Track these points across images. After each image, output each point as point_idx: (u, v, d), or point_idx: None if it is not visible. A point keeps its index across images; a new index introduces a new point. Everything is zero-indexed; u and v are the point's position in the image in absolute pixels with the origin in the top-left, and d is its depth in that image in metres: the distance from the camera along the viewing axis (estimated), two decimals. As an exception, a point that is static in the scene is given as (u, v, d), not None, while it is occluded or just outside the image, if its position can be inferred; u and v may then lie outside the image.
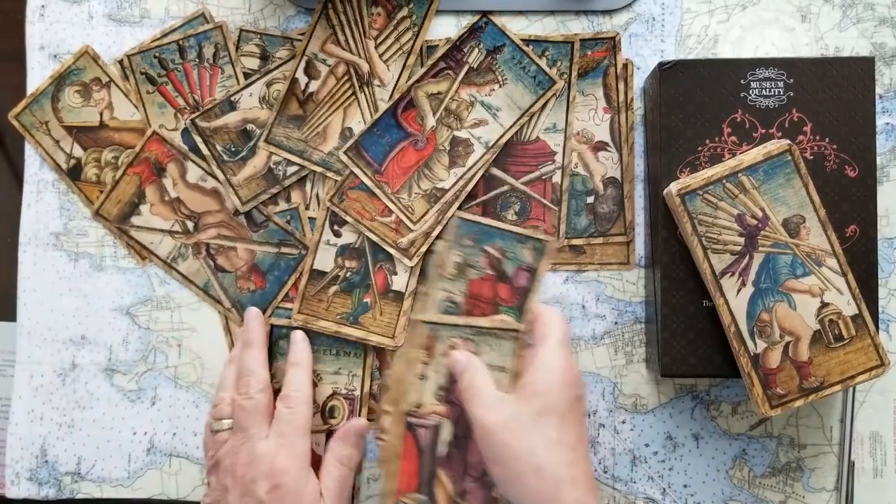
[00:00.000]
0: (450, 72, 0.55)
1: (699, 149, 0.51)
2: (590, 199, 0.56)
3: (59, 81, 0.57)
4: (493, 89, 0.55)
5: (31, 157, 0.58)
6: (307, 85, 0.56)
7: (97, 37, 0.57)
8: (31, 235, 0.57)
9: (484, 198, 0.56)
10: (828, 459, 0.55)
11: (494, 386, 0.48)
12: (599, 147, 0.56)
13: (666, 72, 0.51)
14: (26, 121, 0.57)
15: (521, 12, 0.56)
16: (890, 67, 0.56)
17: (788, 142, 0.49)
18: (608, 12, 0.56)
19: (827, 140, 0.51)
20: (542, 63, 0.55)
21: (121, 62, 0.57)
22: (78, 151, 0.57)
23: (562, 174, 0.56)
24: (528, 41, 0.56)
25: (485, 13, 0.56)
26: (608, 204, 0.56)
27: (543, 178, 0.56)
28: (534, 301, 0.52)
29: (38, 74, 0.58)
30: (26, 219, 0.58)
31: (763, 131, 0.51)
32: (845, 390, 0.53)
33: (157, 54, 0.56)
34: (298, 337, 0.54)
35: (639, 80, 0.56)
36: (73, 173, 0.57)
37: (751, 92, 0.51)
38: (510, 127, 0.55)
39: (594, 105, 0.56)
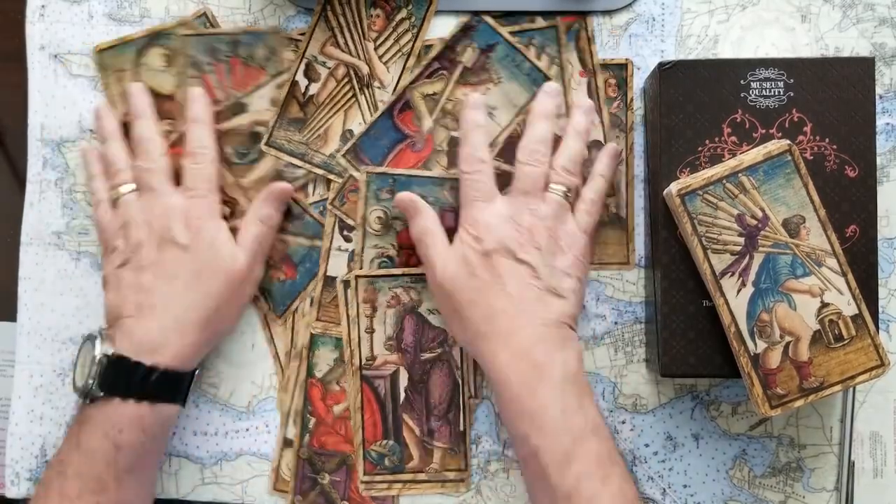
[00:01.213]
0: (444, 72, 0.55)
1: (699, 149, 0.51)
2: None
3: (153, 38, 0.57)
4: (489, 88, 0.55)
5: (34, 156, 0.58)
6: (307, 87, 0.56)
7: (97, 36, 0.57)
8: (32, 235, 0.58)
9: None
10: (828, 459, 0.55)
11: (443, 235, 0.51)
12: None
13: (666, 72, 0.51)
14: (107, 60, 0.57)
15: (520, 12, 0.56)
16: (890, 67, 0.56)
17: (788, 142, 0.49)
18: (608, 12, 0.56)
19: (827, 140, 0.51)
20: (533, 57, 0.55)
21: (168, 42, 0.57)
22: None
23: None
24: (514, 34, 0.56)
25: (484, 13, 0.56)
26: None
27: None
28: None
29: (38, 74, 0.58)
30: (28, 218, 0.58)
31: (763, 131, 0.51)
32: (845, 390, 0.53)
33: (212, 43, 0.56)
34: (196, 93, 0.54)
35: (639, 80, 0.56)
36: (125, 129, 0.56)
37: (751, 92, 0.51)
38: (507, 126, 0.55)
39: (570, 70, 0.56)
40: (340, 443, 0.54)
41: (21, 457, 0.57)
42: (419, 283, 0.53)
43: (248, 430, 0.57)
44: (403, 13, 0.55)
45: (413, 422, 0.53)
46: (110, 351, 0.49)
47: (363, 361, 0.53)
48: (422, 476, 0.53)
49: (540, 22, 0.56)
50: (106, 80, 0.57)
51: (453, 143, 0.55)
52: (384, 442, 0.53)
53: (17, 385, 0.57)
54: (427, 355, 0.53)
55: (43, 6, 0.58)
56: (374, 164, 0.55)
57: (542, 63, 0.56)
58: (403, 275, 0.53)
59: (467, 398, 0.54)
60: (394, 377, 0.53)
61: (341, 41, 0.56)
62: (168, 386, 0.50)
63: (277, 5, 0.57)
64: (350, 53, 0.56)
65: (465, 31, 0.55)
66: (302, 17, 0.57)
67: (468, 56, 0.55)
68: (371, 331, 0.53)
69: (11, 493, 0.57)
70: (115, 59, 0.57)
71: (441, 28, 0.57)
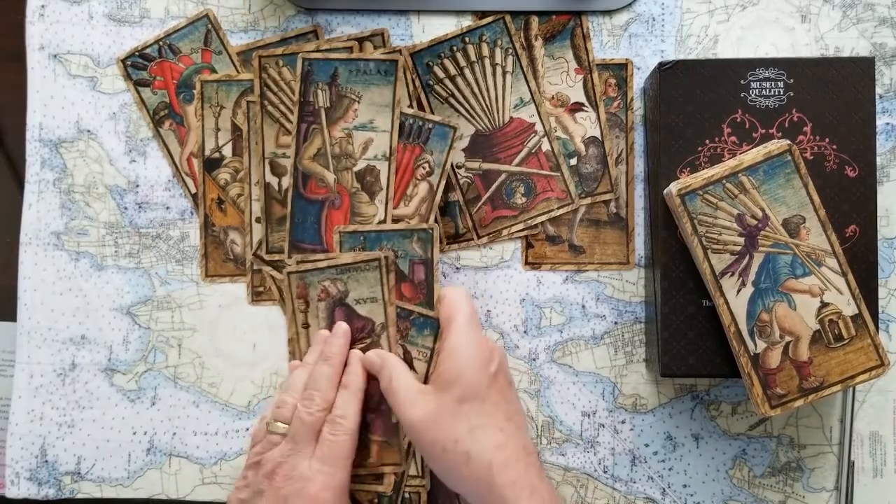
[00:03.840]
0: (315, 126, 0.54)
1: (699, 149, 0.51)
2: (573, 161, 0.57)
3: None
4: (356, 109, 0.54)
5: (33, 156, 0.58)
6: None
7: (97, 37, 0.57)
8: (32, 235, 0.58)
9: (487, 194, 0.57)
10: (828, 459, 0.55)
11: (413, 379, 0.49)
12: (576, 108, 0.57)
13: (666, 72, 0.51)
14: (209, 91, 0.57)
15: (520, 12, 0.56)
16: (890, 67, 0.56)
17: (788, 142, 0.49)
18: (608, 12, 0.56)
19: (827, 140, 0.51)
20: (377, 54, 0.54)
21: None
22: (227, 151, 0.57)
23: (549, 140, 0.56)
24: (462, 33, 0.56)
25: (483, 13, 0.56)
26: (591, 163, 0.56)
27: (533, 151, 0.56)
28: (436, 288, 0.53)
29: (38, 74, 0.58)
30: (27, 218, 0.58)
31: (763, 131, 0.51)
32: (845, 390, 0.53)
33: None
34: (354, 358, 0.52)
35: (639, 80, 0.56)
36: (210, 165, 0.56)
37: (751, 92, 0.51)
38: (393, 125, 0.54)
39: (566, 67, 0.56)
40: None
41: (21, 457, 0.57)
42: (344, 274, 0.53)
43: (248, 430, 0.57)
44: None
45: None
46: None
47: (303, 357, 0.53)
48: (361, 471, 0.52)
49: (486, 18, 0.56)
50: (200, 111, 0.56)
51: (360, 177, 0.54)
52: None
53: (17, 385, 0.57)
54: (358, 346, 0.52)
55: (43, 6, 0.58)
56: (313, 244, 0.54)
57: (497, 57, 0.56)
58: (329, 267, 0.53)
59: None
60: None
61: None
62: None
63: (277, 5, 0.57)
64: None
65: (305, 80, 0.54)
66: (302, 17, 0.57)
67: (322, 98, 0.54)
68: (306, 326, 0.53)
69: (11, 493, 0.57)
70: (217, 93, 0.56)
71: (442, 27, 0.57)
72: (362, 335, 0.53)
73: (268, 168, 0.55)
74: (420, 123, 0.54)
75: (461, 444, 0.45)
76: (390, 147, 0.54)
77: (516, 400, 0.49)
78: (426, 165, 0.54)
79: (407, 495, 0.53)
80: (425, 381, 0.51)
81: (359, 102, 0.54)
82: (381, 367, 0.50)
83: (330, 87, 0.54)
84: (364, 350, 0.52)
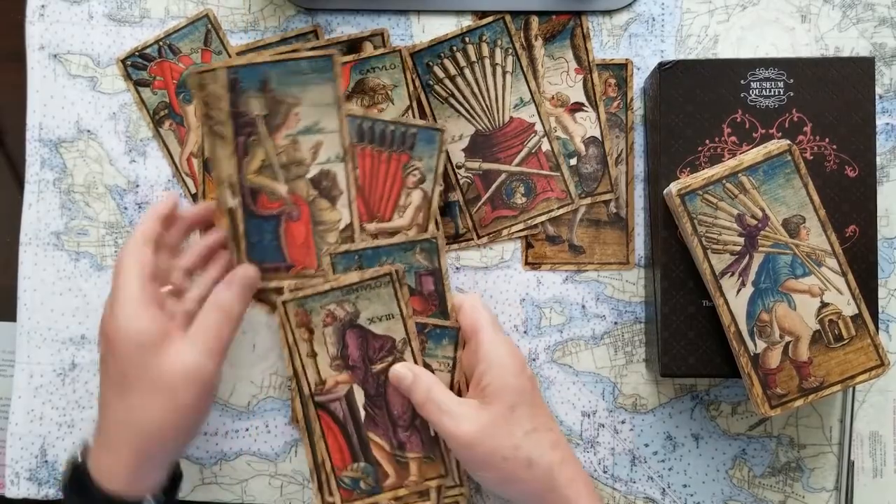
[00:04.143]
0: (254, 137, 0.49)
1: (699, 149, 0.51)
2: (573, 161, 0.57)
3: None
4: (297, 113, 0.50)
5: (32, 156, 0.58)
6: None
7: (97, 37, 0.57)
8: (31, 235, 0.58)
9: (487, 194, 0.57)
10: (827, 459, 0.55)
11: (451, 392, 0.47)
12: (576, 108, 0.57)
13: (666, 72, 0.51)
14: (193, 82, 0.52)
15: (520, 12, 0.56)
16: (890, 67, 0.56)
17: (788, 142, 0.49)
18: (608, 12, 0.56)
19: (827, 140, 0.51)
20: (303, 53, 0.50)
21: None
22: None
23: (549, 140, 0.56)
24: (462, 33, 0.56)
25: (483, 13, 0.56)
26: (591, 163, 0.56)
27: (533, 151, 0.56)
28: (449, 297, 0.51)
29: (38, 74, 0.58)
30: (27, 218, 0.58)
31: (763, 131, 0.51)
32: (845, 390, 0.53)
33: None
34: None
35: (639, 80, 0.56)
36: (207, 165, 0.55)
37: (751, 92, 0.51)
38: (341, 123, 0.50)
39: (566, 67, 0.56)
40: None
41: (21, 457, 0.57)
42: (352, 294, 0.49)
43: (247, 430, 0.57)
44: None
45: (380, 438, 0.50)
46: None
47: (313, 388, 0.50)
48: (402, 492, 0.50)
49: (486, 18, 0.56)
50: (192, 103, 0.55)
51: (316, 183, 0.50)
52: (355, 465, 0.50)
53: (17, 385, 0.57)
54: (378, 366, 0.50)
55: (43, 6, 0.58)
56: (275, 262, 0.50)
57: (497, 57, 0.56)
58: (332, 290, 0.49)
59: None
60: (349, 397, 0.50)
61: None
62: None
63: (277, 5, 0.57)
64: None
65: (233, 90, 0.49)
66: (302, 17, 0.57)
67: (256, 106, 0.49)
68: (313, 354, 0.50)
69: (11, 492, 0.57)
70: (210, 85, 0.52)
71: (441, 27, 0.57)
72: (382, 353, 0.50)
73: (228, 192, 0.50)
74: (403, 130, 0.52)
75: (522, 450, 0.44)
76: (343, 147, 0.50)
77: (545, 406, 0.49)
78: (416, 173, 0.53)
79: None
80: (456, 392, 0.49)
81: (299, 105, 0.49)
82: (413, 381, 0.47)
83: (263, 93, 0.49)
84: (386, 370, 0.50)
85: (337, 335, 0.50)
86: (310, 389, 0.50)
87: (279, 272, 0.50)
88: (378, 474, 0.50)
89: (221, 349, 0.45)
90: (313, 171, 0.50)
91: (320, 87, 0.49)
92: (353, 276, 0.49)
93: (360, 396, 0.50)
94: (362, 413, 0.50)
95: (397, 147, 0.52)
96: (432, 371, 0.50)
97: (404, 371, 0.48)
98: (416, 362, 0.50)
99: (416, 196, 0.53)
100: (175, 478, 0.48)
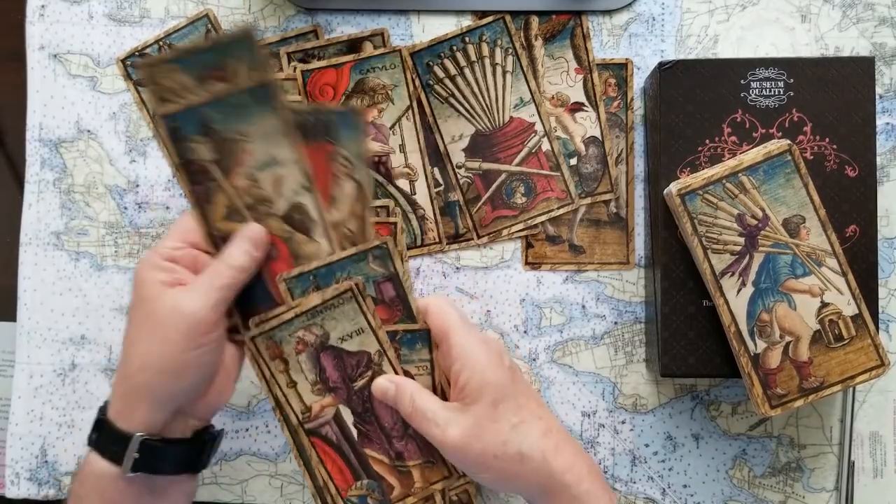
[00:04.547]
0: (211, 183, 0.46)
1: (699, 149, 0.51)
2: (573, 161, 0.57)
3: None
4: (248, 150, 0.46)
5: (33, 156, 0.58)
6: None
7: (97, 37, 0.57)
8: (31, 235, 0.58)
9: (487, 194, 0.57)
10: (828, 459, 0.55)
11: (435, 398, 0.46)
12: (576, 108, 0.57)
13: (666, 72, 0.51)
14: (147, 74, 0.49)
15: (520, 12, 0.56)
16: (890, 67, 0.56)
17: (788, 142, 0.49)
18: (608, 12, 0.56)
19: (827, 140, 0.51)
20: (236, 83, 0.46)
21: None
22: None
23: (549, 139, 0.56)
24: (462, 33, 0.56)
25: (483, 13, 0.56)
26: (592, 163, 0.56)
27: (533, 151, 0.56)
28: (413, 301, 0.49)
29: (38, 74, 0.58)
30: (27, 218, 0.58)
31: (763, 131, 0.51)
32: (845, 390, 0.53)
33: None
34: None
35: (639, 80, 0.56)
36: None
37: (751, 92, 0.51)
38: (297, 150, 0.47)
39: (566, 67, 0.57)
40: None
41: (21, 457, 0.57)
42: (317, 317, 0.48)
43: (247, 430, 0.57)
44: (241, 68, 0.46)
45: (377, 452, 0.49)
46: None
47: (300, 417, 0.49)
48: (410, 500, 0.49)
49: (486, 18, 0.56)
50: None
51: (288, 218, 0.48)
52: (359, 483, 0.49)
53: (17, 385, 0.57)
54: (360, 382, 0.49)
55: (43, 6, 0.58)
56: (265, 304, 0.48)
57: (497, 56, 0.56)
58: (297, 316, 0.48)
59: None
60: (338, 419, 0.49)
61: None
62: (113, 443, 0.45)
63: (277, 5, 0.57)
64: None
65: (175, 139, 0.46)
66: (302, 16, 0.57)
67: (204, 151, 0.46)
68: (293, 384, 0.49)
69: (11, 493, 0.57)
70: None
71: (441, 27, 0.57)
72: (360, 369, 0.49)
73: (222, 244, 0.47)
74: (315, 117, 0.47)
75: (511, 445, 0.44)
76: (305, 175, 0.47)
77: (532, 384, 0.48)
78: (343, 161, 0.48)
79: (455, 498, 0.51)
80: (440, 393, 0.49)
81: (249, 143, 0.46)
82: (396, 392, 0.47)
83: (207, 137, 0.46)
84: (367, 384, 0.49)
85: (312, 360, 0.49)
86: (297, 419, 0.49)
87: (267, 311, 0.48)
88: (383, 488, 0.50)
89: (218, 295, 0.45)
90: (282, 207, 0.47)
91: (265, 118, 0.46)
92: (315, 298, 0.48)
93: (348, 416, 0.49)
94: (354, 432, 0.49)
95: (317, 136, 0.48)
96: (412, 377, 0.49)
97: (386, 384, 0.48)
98: (395, 372, 0.49)
99: (349, 186, 0.49)
100: (205, 441, 0.48)
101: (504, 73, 0.56)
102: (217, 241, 0.47)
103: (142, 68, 0.46)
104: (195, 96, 0.45)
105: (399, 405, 0.47)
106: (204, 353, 0.45)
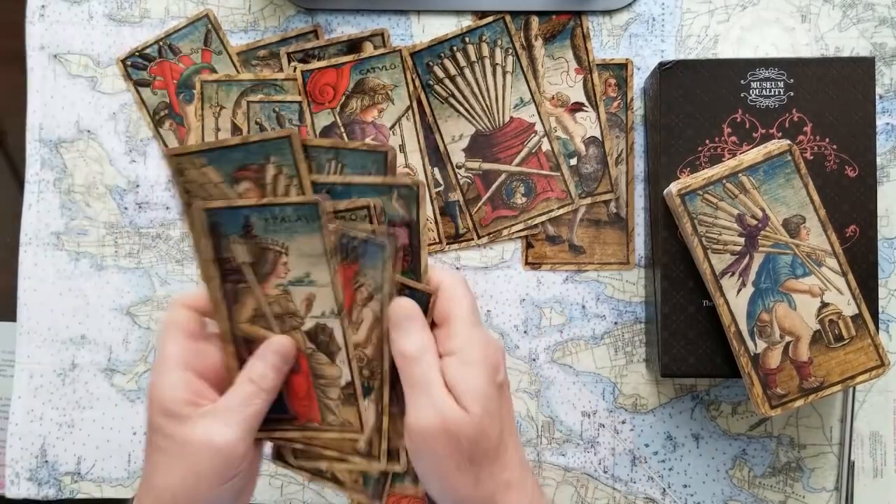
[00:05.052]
0: (242, 285, 0.44)
1: (699, 149, 0.51)
2: (573, 161, 0.57)
3: (261, 83, 0.56)
4: (285, 263, 0.44)
5: (33, 156, 0.58)
6: None
7: (97, 37, 0.57)
8: (31, 235, 0.58)
9: (487, 194, 0.57)
10: (828, 459, 0.55)
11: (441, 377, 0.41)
12: (576, 108, 0.57)
13: (666, 72, 0.51)
14: (209, 91, 0.56)
15: (520, 12, 0.56)
16: (890, 67, 0.56)
17: (788, 142, 0.49)
18: (608, 12, 0.56)
19: (827, 140, 0.51)
20: (287, 198, 0.43)
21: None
22: None
23: (549, 140, 0.56)
24: (462, 33, 0.56)
25: (483, 13, 0.56)
26: (592, 163, 0.56)
27: (533, 151, 0.56)
28: (424, 255, 0.45)
29: (38, 74, 0.58)
30: (27, 219, 0.58)
31: (763, 131, 0.51)
32: (845, 390, 0.53)
33: None
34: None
35: (639, 80, 0.56)
36: None
37: (751, 92, 0.51)
38: (333, 275, 0.44)
39: (566, 67, 0.57)
40: None
41: (21, 457, 0.57)
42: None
43: (248, 430, 0.57)
44: (272, 170, 0.44)
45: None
46: None
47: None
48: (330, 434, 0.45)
49: (486, 18, 0.56)
50: (200, 110, 0.56)
51: (312, 336, 0.45)
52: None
53: (17, 385, 0.57)
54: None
55: (43, 6, 0.58)
56: (278, 413, 0.45)
57: (497, 57, 0.56)
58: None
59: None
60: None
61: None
62: None
63: (277, 5, 0.57)
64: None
65: (215, 234, 0.44)
66: (302, 16, 0.57)
67: (241, 253, 0.44)
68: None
69: (11, 493, 0.57)
70: (217, 94, 0.56)
71: (441, 27, 0.57)
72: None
73: (242, 345, 0.44)
74: (346, 241, 0.45)
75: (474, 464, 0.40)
76: (337, 303, 0.44)
77: (513, 411, 0.44)
78: (362, 290, 0.46)
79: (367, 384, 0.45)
80: None
81: (286, 255, 0.44)
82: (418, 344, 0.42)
83: (246, 239, 0.44)
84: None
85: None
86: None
87: (282, 423, 0.46)
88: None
89: (252, 424, 0.42)
90: (308, 324, 0.45)
91: (307, 238, 0.44)
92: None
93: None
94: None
95: (347, 257, 0.45)
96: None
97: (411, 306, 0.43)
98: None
99: (368, 314, 0.46)
100: None
101: (504, 73, 0.56)
102: (238, 341, 0.44)
103: (168, 158, 0.44)
104: (231, 195, 0.43)
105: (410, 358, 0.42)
106: (237, 482, 0.42)
